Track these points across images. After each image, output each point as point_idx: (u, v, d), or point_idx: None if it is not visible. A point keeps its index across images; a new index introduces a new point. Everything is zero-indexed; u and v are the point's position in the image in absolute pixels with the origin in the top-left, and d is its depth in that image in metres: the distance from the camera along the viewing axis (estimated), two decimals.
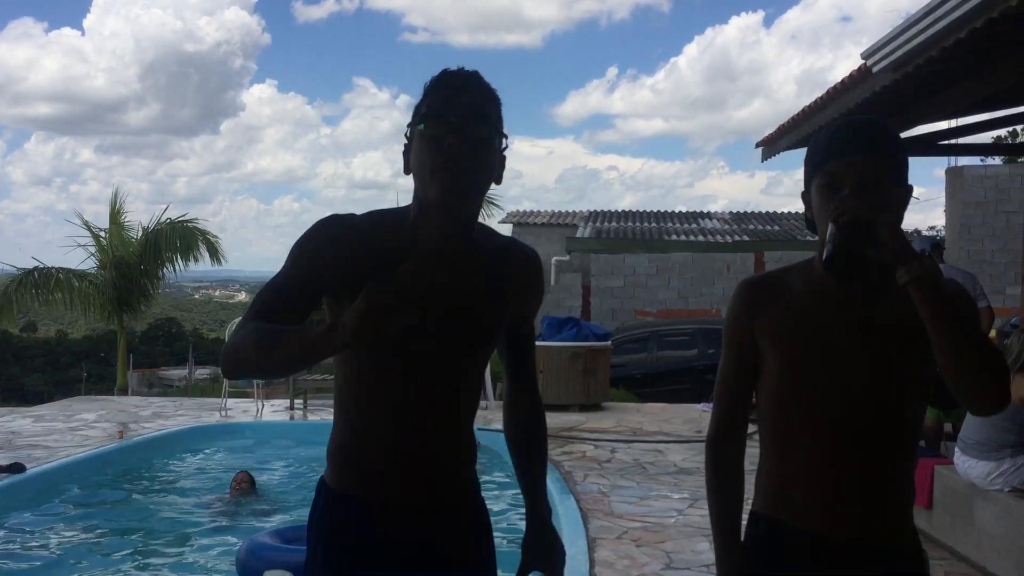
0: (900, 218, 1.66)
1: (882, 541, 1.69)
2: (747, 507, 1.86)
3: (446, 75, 1.71)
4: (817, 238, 1.71)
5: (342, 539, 1.76)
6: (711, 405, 1.91)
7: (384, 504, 1.76)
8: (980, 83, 5.89)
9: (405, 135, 1.76)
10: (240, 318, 1.72)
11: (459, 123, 1.65)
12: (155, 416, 10.31)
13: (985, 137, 9.39)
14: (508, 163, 1.77)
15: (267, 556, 4.44)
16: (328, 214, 1.77)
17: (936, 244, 7.04)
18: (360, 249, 1.69)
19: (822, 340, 1.67)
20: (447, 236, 1.73)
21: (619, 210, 24.61)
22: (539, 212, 25.02)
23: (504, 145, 1.75)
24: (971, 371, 1.52)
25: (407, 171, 1.74)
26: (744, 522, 1.83)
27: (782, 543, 1.73)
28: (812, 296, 1.71)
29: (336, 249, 1.69)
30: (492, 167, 1.73)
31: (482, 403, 10.39)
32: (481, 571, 1.89)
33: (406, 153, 1.75)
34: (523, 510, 2.03)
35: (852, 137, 1.64)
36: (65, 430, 9.16)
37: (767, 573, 1.74)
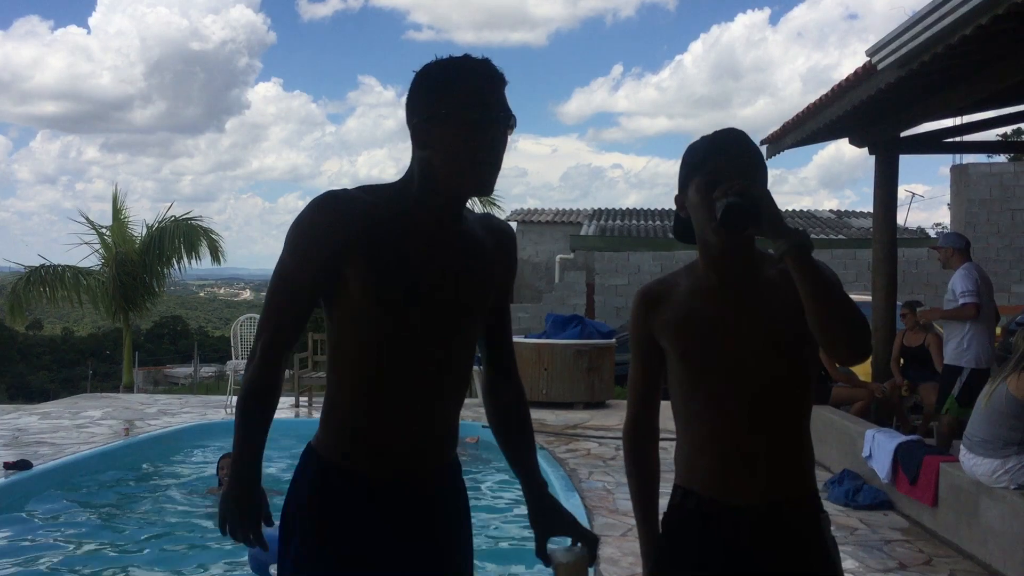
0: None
1: (781, 504, 1.88)
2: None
3: (476, 61, 1.75)
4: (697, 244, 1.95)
5: (339, 513, 1.78)
6: None
7: (385, 481, 1.80)
8: (985, 80, 5.88)
9: (422, 116, 1.76)
10: (258, 338, 1.81)
11: (503, 116, 1.73)
12: (161, 413, 10.33)
13: (990, 135, 9.37)
14: (512, 161, 1.85)
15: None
16: (323, 192, 1.78)
17: (967, 243, 6.97)
18: (360, 224, 1.72)
19: (707, 328, 1.88)
20: (449, 212, 1.82)
21: (623, 208, 24.59)
22: (543, 210, 25.01)
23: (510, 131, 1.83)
24: (836, 323, 1.71)
25: (423, 147, 1.76)
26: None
27: (695, 510, 1.92)
28: (697, 293, 1.92)
29: (336, 230, 1.72)
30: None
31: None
32: (465, 549, 1.97)
33: (420, 128, 1.76)
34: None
35: (729, 143, 1.87)
36: (71, 427, 9.19)
37: (683, 537, 1.94)
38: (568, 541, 1.96)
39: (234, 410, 1.82)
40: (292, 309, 1.77)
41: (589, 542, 1.95)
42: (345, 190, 1.79)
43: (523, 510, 2.07)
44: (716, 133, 1.91)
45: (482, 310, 1.89)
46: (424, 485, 1.85)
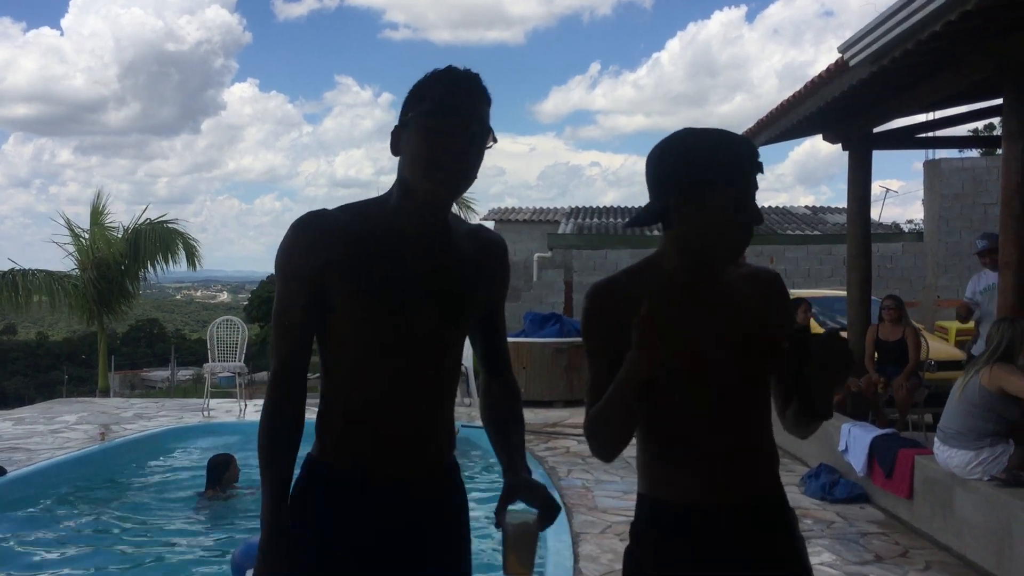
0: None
1: (750, 504, 1.86)
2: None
3: (454, 72, 1.79)
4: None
5: (334, 513, 1.81)
6: None
7: (378, 480, 1.82)
8: (955, 76, 5.93)
9: (400, 119, 1.81)
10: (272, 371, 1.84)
11: (467, 122, 1.75)
12: (137, 417, 10.25)
13: (962, 130, 9.45)
14: (491, 160, 1.87)
15: None
16: (303, 213, 1.82)
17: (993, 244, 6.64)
18: (340, 244, 1.76)
19: (672, 329, 1.75)
20: (430, 223, 1.83)
21: (600, 206, 24.63)
22: (521, 209, 25.01)
23: (489, 145, 1.82)
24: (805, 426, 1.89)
25: (395, 152, 1.82)
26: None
27: (662, 517, 1.88)
28: (663, 292, 1.83)
29: (316, 251, 1.76)
30: (479, 164, 1.82)
31: (465, 399, 10.39)
32: (462, 548, 1.97)
33: (396, 133, 1.82)
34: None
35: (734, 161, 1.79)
36: (46, 432, 9.10)
37: (653, 545, 1.91)
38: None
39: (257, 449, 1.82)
40: (290, 336, 1.81)
41: (548, 511, 1.92)
42: (324, 210, 1.83)
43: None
44: (724, 137, 1.83)
45: (466, 322, 1.92)
46: (416, 488, 1.86)
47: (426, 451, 1.88)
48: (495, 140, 1.82)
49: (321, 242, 1.76)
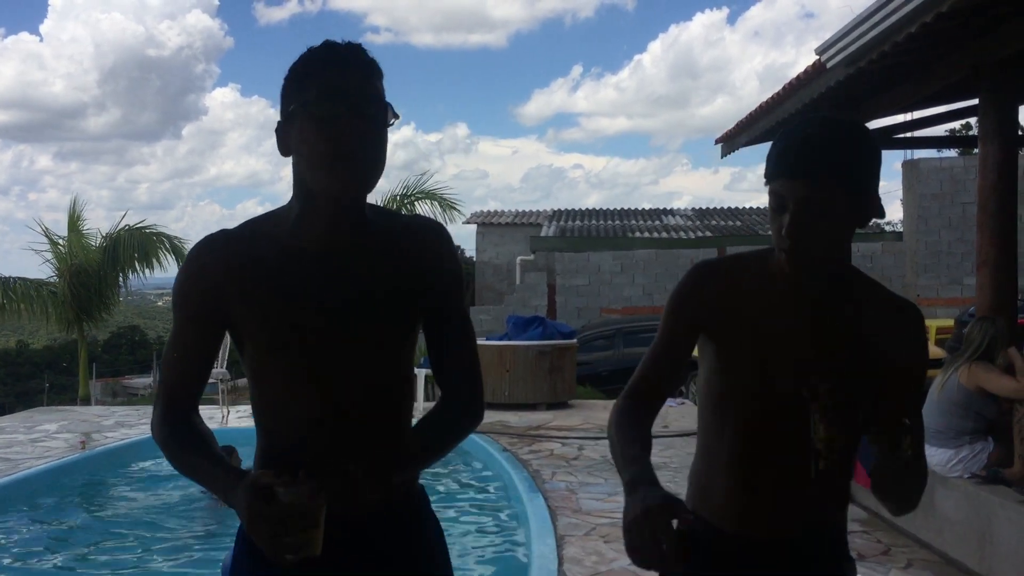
0: (851, 232, 1.59)
1: (801, 541, 1.67)
2: None
3: (334, 48, 1.55)
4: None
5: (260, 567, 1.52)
6: (678, 401, 1.89)
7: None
8: (932, 77, 5.99)
9: (283, 113, 1.57)
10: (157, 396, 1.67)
11: (362, 101, 1.51)
12: (118, 425, 10.18)
13: (940, 130, 9.53)
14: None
15: None
16: (203, 238, 1.62)
17: None
18: (238, 267, 1.55)
19: (761, 342, 1.62)
20: (337, 227, 1.58)
21: (583, 208, 24.69)
22: (503, 212, 25.03)
23: (391, 122, 1.57)
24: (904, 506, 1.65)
25: (284, 152, 1.58)
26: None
27: (703, 539, 1.66)
28: (763, 294, 1.64)
29: (207, 279, 1.56)
30: (386, 146, 1.57)
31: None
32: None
33: (282, 131, 1.57)
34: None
35: (801, 156, 1.52)
36: (26, 442, 9.02)
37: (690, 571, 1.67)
38: None
39: (181, 471, 1.63)
40: (185, 369, 1.65)
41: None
42: (223, 231, 1.62)
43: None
44: (797, 133, 1.55)
45: (395, 336, 1.63)
46: (359, 521, 1.61)
47: (369, 484, 1.55)
48: (396, 115, 1.57)
49: (212, 273, 1.56)
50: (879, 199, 1.60)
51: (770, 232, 1.60)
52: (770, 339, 1.61)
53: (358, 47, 1.55)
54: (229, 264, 1.56)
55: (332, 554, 1.49)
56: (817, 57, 5.99)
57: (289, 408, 1.61)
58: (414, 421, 1.71)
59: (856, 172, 1.53)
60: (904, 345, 1.64)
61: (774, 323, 1.62)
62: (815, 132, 1.53)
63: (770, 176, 1.57)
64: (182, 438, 1.61)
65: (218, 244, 1.59)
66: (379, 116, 1.53)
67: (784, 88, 7.00)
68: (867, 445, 1.59)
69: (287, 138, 1.57)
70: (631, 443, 1.64)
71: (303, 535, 1.33)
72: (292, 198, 1.61)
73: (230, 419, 10.41)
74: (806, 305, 1.62)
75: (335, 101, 1.49)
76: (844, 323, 1.62)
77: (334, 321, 1.57)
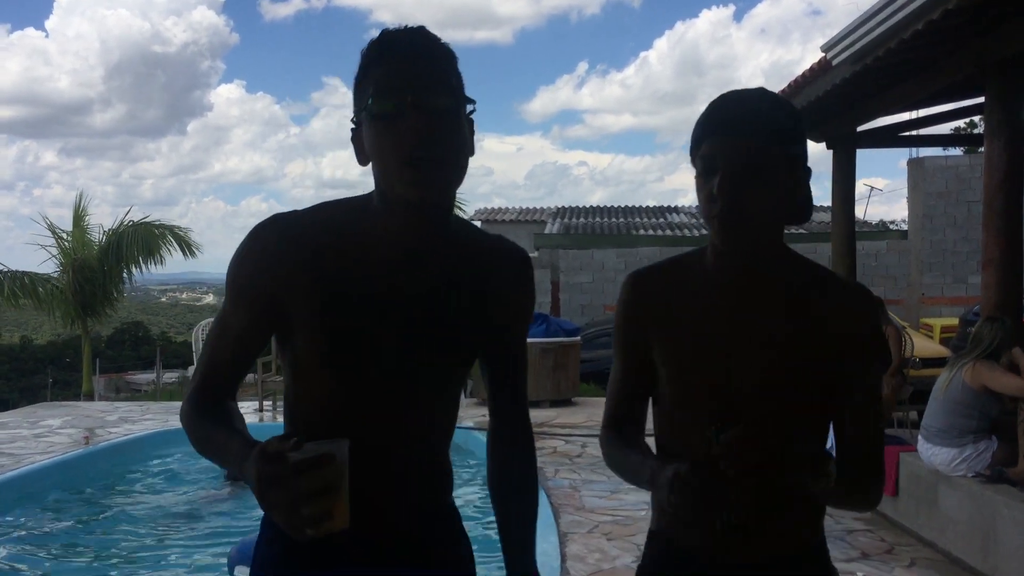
0: (787, 200, 1.46)
1: (784, 560, 1.55)
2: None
3: (391, 36, 1.38)
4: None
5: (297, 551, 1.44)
6: None
7: (341, 546, 1.41)
8: (938, 74, 5.96)
9: (352, 119, 1.43)
10: (196, 368, 1.54)
11: (421, 95, 1.33)
12: (121, 421, 10.19)
13: (945, 128, 9.52)
14: (478, 160, 1.50)
15: None
16: (269, 216, 1.47)
17: None
18: (303, 256, 1.40)
19: (707, 345, 1.51)
20: (419, 236, 1.43)
21: (587, 206, 24.67)
22: (507, 209, 25.02)
23: (471, 109, 1.42)
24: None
25: (362, 162, 1.42)
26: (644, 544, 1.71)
27: (678, 563, 1.59)
28: (704, 296, 1.53)
29: (273, 265, 1.41)
30: (466, 141, 1.40)
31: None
32: None
33: (356, 139, 1.43)
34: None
35: (732, 112, 1.42)
36: (30, 437, 9.03)
37: None
38: None
39: (202, 452, 1.48)
40: (226, 353, 1.49)
41: None
42: (293, 212, 1.46)
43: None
44: (720, 99, 1.47)
45: (459, 357, 1.54)
46: (397, 542, 1.53)
47: (408, 505, 1.53)
48: (471, 100, 1.41)
49: (279, 258, 1.40)
50: (808, 180, 1.49)
51: None
52: (711, 341, 1.51)
53: (419, 31, 1.39)
54: (298, 251, 1.40)
55: (365, 564, 1.48)
56: (823, 54, 5.97)
57: (335, 414, 1.48)
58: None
59: (789, 131, 1.42)
60: (855, 336, 1.49)
61: (713, 323, 1.51)
62: (744, 94, 1.46)
63: (697, 140, 1.45)
64: (203, 413, 1.46)
65: (287, 226, 1.43)
66: (451, 106, 1.36)
67: (790, 85, 6.98)
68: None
69: (358, 139, 1.42)
70: (632, 453, 1.55)
71: (320, 503, 1.17)
72: (372, 193, 1.46)
73: None
74: (736, 296, 1.51)
75: (393, 96, 1.33)
76: (780, 315, 1.49)
77: (401, 340, 1.44)
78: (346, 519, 1.23)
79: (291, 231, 1.42)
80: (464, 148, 1.39)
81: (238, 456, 1.29)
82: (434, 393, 1.53)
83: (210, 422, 1.43)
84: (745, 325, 1.50)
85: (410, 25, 1.39)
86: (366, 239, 1.42)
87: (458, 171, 1.39)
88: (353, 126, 1.43)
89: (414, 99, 1.32)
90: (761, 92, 1.47)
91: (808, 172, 1.49)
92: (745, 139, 1.39)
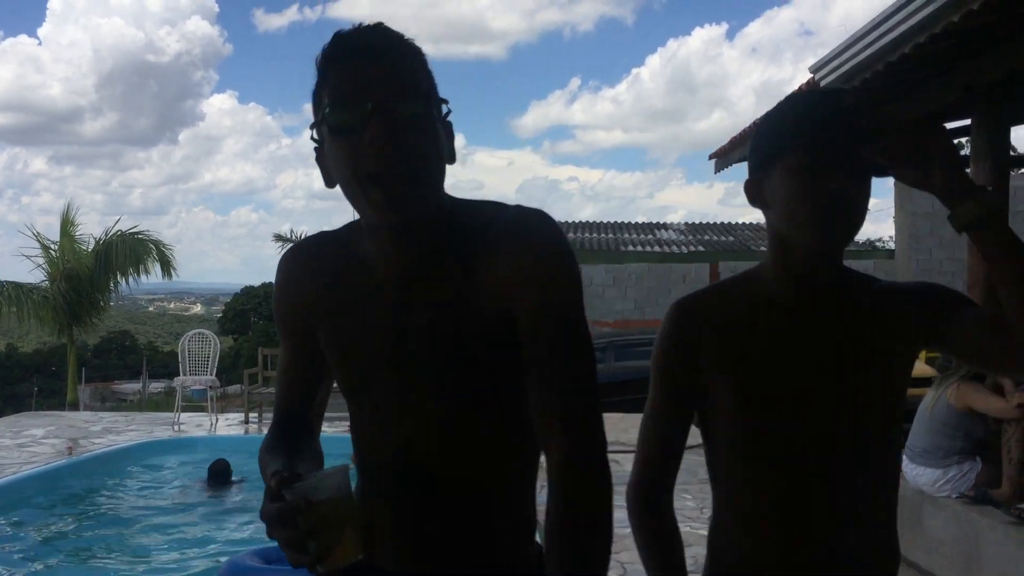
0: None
1: None
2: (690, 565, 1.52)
3: (345, 37, 1.21)
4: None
5: None
6: None
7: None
8: (924, 97, 6.01)
9: (312, 137, 1.28)
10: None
11: (383, 101, 1.17)
12: (106, 431, 10.13)
13: None
14: (469, 174, 1.39)
15: None
16: (290, 247, 1.47)
17: None
18: (321, 279, 1.37)
19: (781, 367, 1.41)
20: (402, 250, 1.29)
21: (577, 221, 24.72)
22: None
23: (446, 111, 1.26)
24: None
25: (329, 183, 1.28)
26: None
27: None
28: (766, 317, 1.44)
29: (299, 293, 1.40)
30: (440, 148, 1.24)
31: None
32: None
33: (320, 159, 1.29)
34: None
35: (827, 116, 1.36)
36: (12, 446, 8.97)
37: None
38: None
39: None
40: (282, 385, 1.47)
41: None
42: (314, 238, 1.44)
43: None
44: (810, 94, 1.42)
45: (472, 363, 1.29)
46: None
47: (457, 554, 1.33)
48: (443, 101, 1.25)
49: (298, 289, 1.39)
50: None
51: (763, 248, 1.50)
52: (787, 371, 1.41)
53: (376, 28, 1.22)
54: (312, 279, 1.38)
55: None
56: (811, 75, 6.01)
57: (358, 440, 1.42)
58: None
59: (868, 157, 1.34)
60: (929, 310, 1.41)
61: (780, 349, 1.42)
62: (821, 99, 1.39)
63: (790, 144, 1.35)
64: (268, 447, 1.36)
65: (305, 254, 1.41)
66: (416, 112, 1.19)
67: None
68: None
69: (324, 163, 1.28)
70: (664, 548, 1.47)
71: (323, 538, 1.13)
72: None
73: (219, 427, 10.37)
74: (815, 321, 1.42)
75: (351, 104, 1.18)
76: (857, 335, 1.42)
77: (395, 365, 1.31)
78: (359, 549, 1.18)
79: (307, 256, 1.40)
80: (437, 156, 1.23)
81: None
82: (460, 410, 1.31)
83: (268, 453, 1.35)
84: (822, 347, 1.41)
85: (366, 23, 1.22)
86: (366, 260, 1.33)
87: (432, 182, 1.23)
88: (316, 144, 1.28)
89: (375, 106, 1.16)
90: (837, 96, 1.39)
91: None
92: (855, 136, 1.32)
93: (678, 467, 1.52)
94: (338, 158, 1.21)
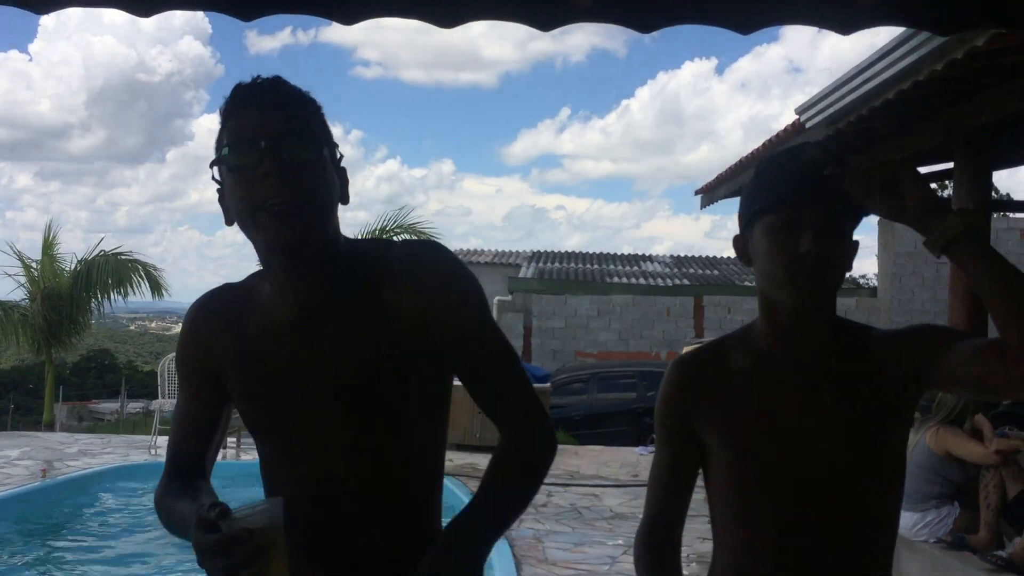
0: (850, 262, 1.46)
1: None
2: None
3: (244, 89, 1.35)
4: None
5: None
6: (649, 449, 1.76)
7: None
8: (908, 141, 6.08)
9: (213, 177, 1.39)
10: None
11: (274, 142, 1.29)
12: (81, 454, 10.01)
13: None
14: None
15: None
16: (198, 297, 1.54)
17: None
18: (224, 324, 1.46)
19: (772, 423, 1.44)
20: (299, 284, 1.37)
21: (562, 251, 24.78)
22: (483, 251, 25.07)
23: (338, 156, 1.40)
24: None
25: (228, 221, 1.38)
26: None
27: None
28: (758, 373, 1.47)
29: (204, 339, 1.48)
30: (330, 187, 1.35)
31: None
32: None
33: (222, 200, 1.39)
34: None
35: (807, 176, 1.38)
36: None
37: None
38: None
39: (168, 528, 1.45)
40: (179, 429, 1.52)
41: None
42: (219, 289, 1.51)
43: None
44: (780, 155, 1.46)
45: (384, 402, 1.38)
46: None
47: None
48: (331, 145, 1.38)
49: (204, 329, 1.48)
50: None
51: (747, 283, 1.52)
52: (781, 423, 1.44)
53: (273, 81, 1.35)
54: (218, 324, 1.47)
55: None
56: (797, 116, 6.08)
57: (267, 476, 1.49)
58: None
59: (853, 203, 1.39)
60: (912, 351, 1.44)
61: (780, 401, 1.45)
62: (798, 157, 1.42)
63: (766, 206, 1.41)
64: (167, 491, 1.44)
65: (204, 310, 1.50)
66: (307, 157, 1.32)
67: (764, 145, 7.09)
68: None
69: (225, 202, 1.39)
70: None
71: (256, 569, 1.20)
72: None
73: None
74: (807, 377, 1.45)
75: (247, 145, 1.30)
76: (851, 390, 1.44)
77: (302, 401, 1.39)
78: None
79: (213, 303, 1.49)
80: (327, 194, 1.35)
81: (188, 524, 1.27)
82: (370, 447, 1.39)
83: (171, 498, 1.42)
84: (813, 401, 1.44)
85: (264, 77, 1.35)
86: (266, 304, 1.42)
87: (321, 211, 1.34)
88: (218, 184, 1.39)
89: (268, 145, 1.29)
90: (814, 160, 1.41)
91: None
92: (828, 197, 1.37)
93: (684, 518, 1.58)
94: (234, 194, 1.33)
